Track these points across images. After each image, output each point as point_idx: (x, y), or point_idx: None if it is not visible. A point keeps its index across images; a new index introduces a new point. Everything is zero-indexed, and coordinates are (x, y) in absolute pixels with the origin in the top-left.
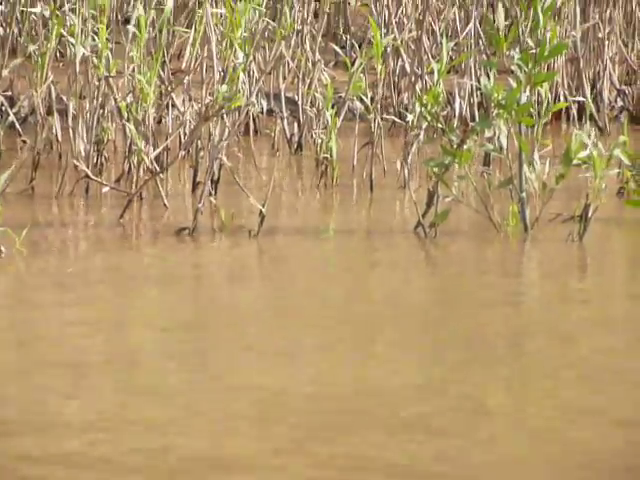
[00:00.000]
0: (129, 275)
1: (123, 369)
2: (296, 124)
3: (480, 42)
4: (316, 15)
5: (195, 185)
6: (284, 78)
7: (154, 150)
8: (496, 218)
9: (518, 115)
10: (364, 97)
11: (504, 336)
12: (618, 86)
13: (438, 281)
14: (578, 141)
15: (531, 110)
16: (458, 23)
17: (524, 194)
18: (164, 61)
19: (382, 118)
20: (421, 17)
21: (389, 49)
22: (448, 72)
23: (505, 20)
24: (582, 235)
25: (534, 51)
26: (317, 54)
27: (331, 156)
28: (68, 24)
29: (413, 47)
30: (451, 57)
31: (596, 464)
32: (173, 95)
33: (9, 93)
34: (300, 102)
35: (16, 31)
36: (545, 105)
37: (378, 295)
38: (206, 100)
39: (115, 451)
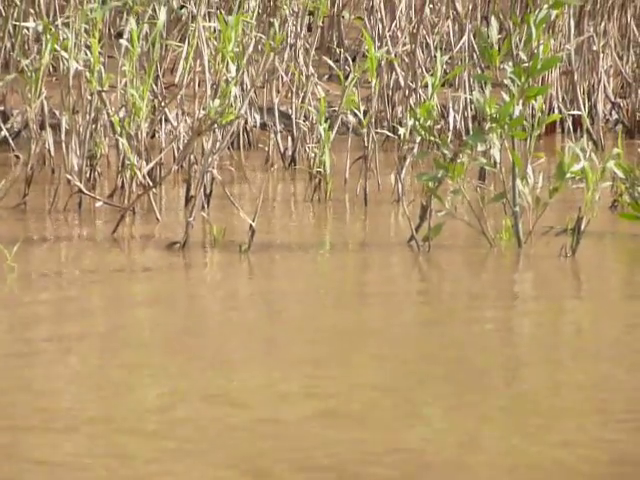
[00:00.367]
0: (120, 290)
1: (106, 384)
2: (290, 138)
3: (474, 55)
4: (310, 28)
5: (188, 199)
6: (278, 92)
7: (147, 164)
8: (489, 232)
9: (511, 129)
10: (357, 111)
11: (498, 354)
12: (613, 99)
13: (431, 297)
14: (571, 154)
15: (525, 123)
16: (452, 36)
17: (517, 208)
18: (157, 75)
19: (376, 132)
20: (415, 30)
21: (383, 63)
22: (442, 85)
23: (499, 33)
24: (575, 249)
25: (527, 64)
26: (311, 68)
27: (324, 170)
28: (61, 38)
29: (407, 61)
30: (445, 70)
31: None
32: (166, 109)
33: (2, 108)
34: (294, 116)
35: (9, 46)
36: (538, 118)
37: (369, 313)
38: (199, 114)
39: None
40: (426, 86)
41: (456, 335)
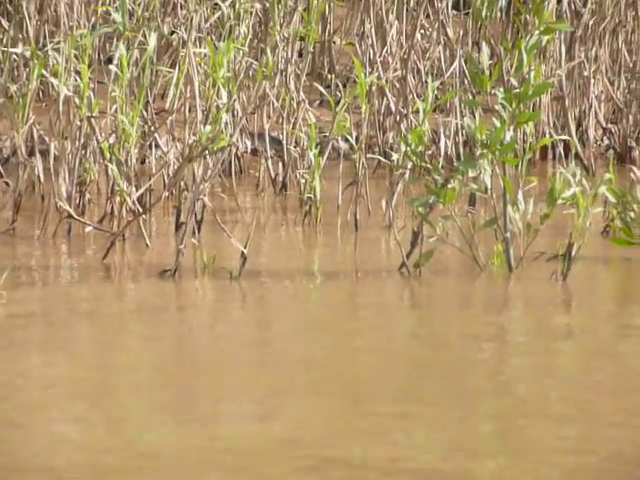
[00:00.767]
0: (111, 317)
1: (95, 407)
2: (280, 164)
3: (465, 81)
4: (300, 54)
5: (178, 226)
6: (268, 117)
7: (137, 191)
8: (481, 258)
9: (502, 155)
10: (349, 136)
11: (490, 379)
12: (604, 124)
13: (423, 323)
14: (562, 180)
15: (516, 149)
16: (443, 62)
17: (508, 234)
18: (147, 101)
19: (367, 158)
20: (406, 56)
21: (374, 88)
22: (434, 111)
23: (490, 59)
24: (566, 274)
25: (518, 90)
26: (301, 93)
27: (315, 196)
28: (51, 64)
29: (398, 86)
30: (436, 96)
31: None
32: (156, 135)
33: None
34: (284, 142)
35: None
36: (529, 143)
37: (361, 339)
38: (189, 140)
39: None
40: (417, 112)
41: (448, 363)
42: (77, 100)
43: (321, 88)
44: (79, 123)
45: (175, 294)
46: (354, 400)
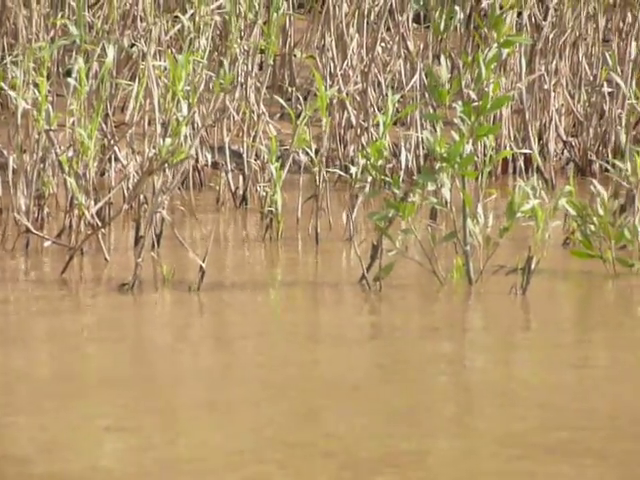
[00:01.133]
0: (68, 332)
1: (50, 424)
2: (241, 177)
3: (426, 94)
4: (261, 67)
5: (137, 239)
6: (229, 130)
7: (96, 204)
8: (440, 271)
9: (461, 168)
10: (309, 150)
11: (449, 395)
12: (564, 138)
13: (381, 338)
14: (522, 194)
15: (476, 162)
16: (404, 75)
17: (468, 247)
18: (107, 114)
19: (327, 171)
20: (366, 69)
21: (334, 101)
22: (394, 124)
23: (450, 72)
24: (525, 288)
25: (477, 103)
26: (262, 106)
27: (276, 209)
28: (9, 76)
29: (359, 99)
30: (397, 109)
31: None
32: (116, 148)
33: None
34: (245, 155)
35: None
36: (490, 156)
37: (320, 354)
38: (149, 153)
39: None
40: (378, 125)
41: (408, 379)
42: (35, 113)
43: (282, 101)
44: (37, 136)
45: (133, 308)
46: (309, 420)
